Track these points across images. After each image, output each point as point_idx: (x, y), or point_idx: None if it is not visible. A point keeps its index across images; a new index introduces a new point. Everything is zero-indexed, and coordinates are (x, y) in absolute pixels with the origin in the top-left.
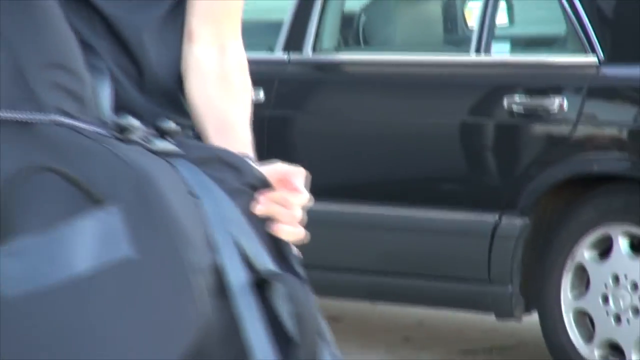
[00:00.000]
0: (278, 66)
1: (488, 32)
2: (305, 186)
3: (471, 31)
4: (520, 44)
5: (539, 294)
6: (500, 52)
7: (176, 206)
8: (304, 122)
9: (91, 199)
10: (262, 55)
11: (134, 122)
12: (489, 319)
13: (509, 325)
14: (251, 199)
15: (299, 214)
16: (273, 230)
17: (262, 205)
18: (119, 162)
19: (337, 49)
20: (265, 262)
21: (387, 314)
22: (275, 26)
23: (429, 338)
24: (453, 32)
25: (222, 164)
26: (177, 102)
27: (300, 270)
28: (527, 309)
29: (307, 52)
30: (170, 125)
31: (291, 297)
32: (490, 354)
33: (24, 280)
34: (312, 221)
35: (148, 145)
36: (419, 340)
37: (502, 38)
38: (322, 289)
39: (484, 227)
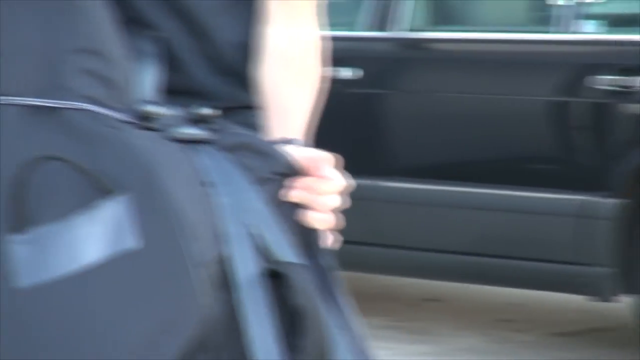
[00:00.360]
0: (372, 44)
1: (576, 10)
2: (336, 171)
3: (560, 9)
4: (608, 21)
5: (635, 276)
6: (589, 30)
7: (180, 197)
8: (398, 100)
9: (102, 189)
10: (356, 33)
11: (159, 109)
12: (581, 301)
13: (602, 307)
14: (280, 186)
15: (329, 201)
16: (302, 218)
17: (291, 192)
18: (130, 152)
19: (431, 26)
20: (285, 253)
21: (481, 295)
22: (370, 4)
23: (523, 320)
24: (543, 10)
25: (252, 151)
26: (248, 83)
27: (325, 260)
28: (623, 291)
29: (402, 30)
30: (207, 110)
31: (297, 290)
32: (582, 336)
33: (35, 270)
34: (405, 201)
35: (170, 132)
36: (513, 322)
37: (591, 16)
38: (418, 270)
39: (573, 207)
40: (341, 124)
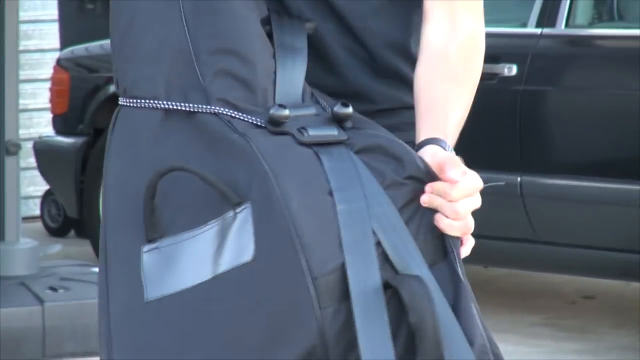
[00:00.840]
0: (531, 41)
1: None
2: (469, 174)
3: None
4: None
5: None
6: None
7: (300, 207)
8: (557, 97)
9: (228, 200)
10: (515, 30)
11: (293, 112)
12: None
13: None
14: (411, 192)
15: (460, 206)
16: (436, 223)
17: (425, 197)
18: (255, 159)
19: (591, 23)
20: (409, 263)
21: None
22: (529, 1)
23: None
24: None
25: (384, 155)
26: (408, 82)
27: (458, 269)
28: None
29: (560, 27)
30: (346, 110)
31: (411, 308)
32: None
33: (161, 282)
34: (564, 198)
35: (299, 136)
36: None
37: None
38: (575, 267)
39: None
40: (497, 121)
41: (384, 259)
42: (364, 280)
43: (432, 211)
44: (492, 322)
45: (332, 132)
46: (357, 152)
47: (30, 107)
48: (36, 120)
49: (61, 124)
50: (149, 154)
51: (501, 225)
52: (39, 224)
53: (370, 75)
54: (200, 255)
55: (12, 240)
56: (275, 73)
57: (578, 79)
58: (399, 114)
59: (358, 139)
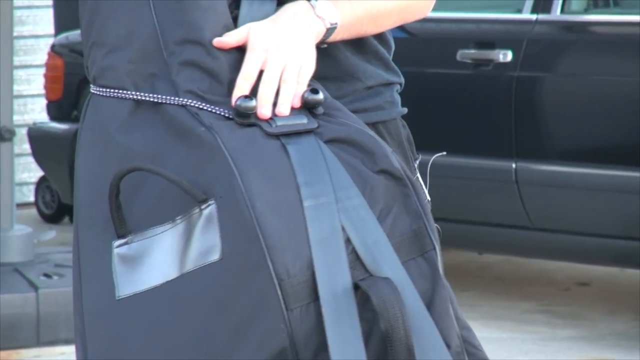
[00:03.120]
0: (526, 27)
1: None
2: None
3: None
4: None
5: None
6: None
7: (265, 208)
8: (552, 83)
9: (193, 197)
10: (510, 16)
11: (252, 103)
12: None
13: None
14: (382, 185)
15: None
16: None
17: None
18: (221, 155)
19: (586, 9)
20: (381, 262)
21: (636, 279)
22: None
23: None
24: None
25: (355, 147)
26: (384, 60)
27: (439, 267)
28: None
29: (556, 13)
30: (316, 96)
31: (380, 312)
32: None
33: (132, 279)
34: (560, 184)
35: (266, 127)
36: None
37: None
38: (570, 254)
39: None
40: (492, 107)
41: (355, 257)
42: (334, 280)
43: (410, 205)
44: (486, 308)
45: (302, 121)
46: (326, 142)
47: (25, 93)
48: (30, 106)
49: (55, 110)
50: (120, 146)
51: (496, 212)
52: (33, 211)
53: (357, 55)
54: (168, 252)
55: (7, 226)
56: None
57: (573, 65)
58: (382, 92)
59: (328, 128)
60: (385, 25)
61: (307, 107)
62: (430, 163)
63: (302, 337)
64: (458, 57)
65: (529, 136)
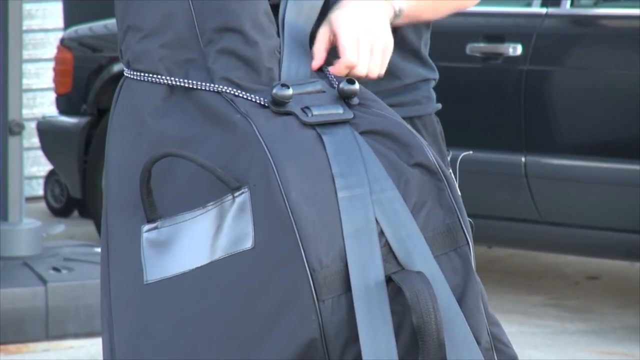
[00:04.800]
0: (536, 20)
1: None
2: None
3: None
4: None
5: None
6: None
7: (299, 198)
8: (561, 76)
9: (226, 185)
10: (520, 9)
11: (289, 91)
12: None
13: None
14: (417, 179)
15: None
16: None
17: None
18: (256, 142)
19: (596, 3)
20: (414, 255)
21: None
22: None
23: None
24: None
25: (391, 140)
26: (421, 57)
27: (472, 263)
28: None
29: (565, 6)
30: (352, 86)
31: (412, 306)
32: None
33: (160, 264)
34: (569, 178)
35: (302, 116)
36: None
37: None
38: (580, 248)
39: None
40: (502, 101)
41: (388, 250)
42: (366, 272)
43: (444, 200)
44: (496, 302)
45: (337, 111)
46: (362, 133)
47: (34, 87)
48: (39, 100)
49: (65, 103)
50: (152, 130)
51: (505, 206)
52: (42, 204)
53: (398, 54)
54: (198, 239)
55: (16, 220)
56: (280, 52)
57: (583, 59)
58: (419, 87)
59: (364, 119)
60: (444, 11)
61: (343, 97)
62: (459, 159)
63: (332, 329)
64: (467, 51)
65: (538, 130)
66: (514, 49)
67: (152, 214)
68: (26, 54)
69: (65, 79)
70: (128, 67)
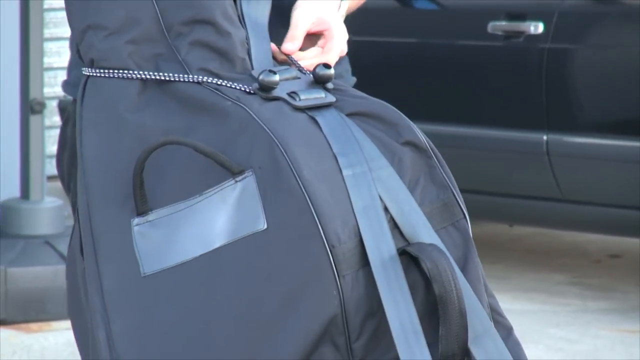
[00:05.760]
0: None
1: None
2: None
3: None
4: None
5: None
6: None
7: (311, 176)
8: (583, 55)
9: (228, 169)
10: None
11: (278, 76)
12: None
13: None
14: (409, 157)
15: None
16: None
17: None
18: (256, 126)
19: None
20: (418, 229)
21: None
22: None
23: None
24: None
25: (378, 120)
26: None
27: (470, 235)
28: None
29: None
30: (327, 71)
31: (433, 277)
32: None
33: (157, 256)
34: (591, 156)
35: (292, 101)
36: None
37: None
38: (602, 226)
39: None
40: (523, 79)
41: (394, 225)
42: (380, 247)
43: (436, 176)
44: (517, 281)
45: (320, 95)
46: (348, 116)
47: (55, 65)
48: (61, 78)
49: None
50: (132, 124)
51: (527, 184)
52: None
53: None
54: (199, 226)
55: (37, 199)
56: (247, 42)
57: (605, 37)
58: (340, 61)
59: (347, 102)
60: None
61: (319, 82)
62: None
63: (352, 304)
64: (489, 29)
65: (560, 108)
66: (536, 27)
67: (143, 207)
68: (47, 33)
69: None
70: (92, 65)
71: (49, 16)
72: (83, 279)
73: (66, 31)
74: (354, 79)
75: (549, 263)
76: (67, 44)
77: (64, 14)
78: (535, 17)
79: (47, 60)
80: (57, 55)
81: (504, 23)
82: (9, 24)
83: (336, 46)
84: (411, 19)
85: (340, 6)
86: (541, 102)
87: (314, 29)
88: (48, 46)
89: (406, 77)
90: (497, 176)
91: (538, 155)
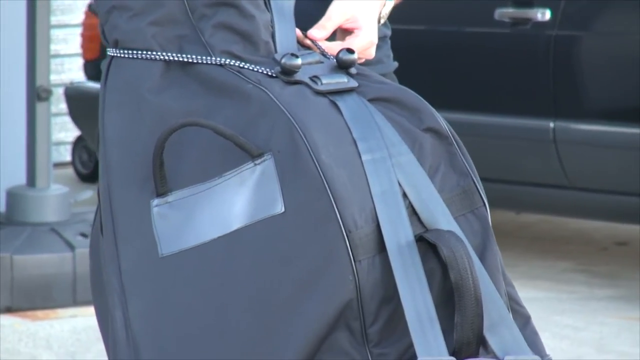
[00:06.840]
0: None
1: None
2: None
3: None
4: None
5: None
6: None
7: (329, 160)
8: (590, 42)
9: (248, 152)
10: None
11: (300, 60)
12: None
13: None
14: (429, 143)
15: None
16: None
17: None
18: (276, 110)
19: None
20: (437, 216)
21: None
22: None
23: None
24: None
25: (399, 106)
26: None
27: (490, 223)
28: None
29: None
30: (350, 55)
31: (450, 264)
32: None
33: (176, 237)
34: (598, 143)
35: (314, 85)
36: None
37: None
38: (608, 214)
39: None
40: (530, 66)
41: (412, 211)
42: (397, 232)
43: (457, 163)
44: (524, 268)
45: (343, 79)
46: (370, 101)
47: (62, 52)
48: (67, 66)
49: (92, 69)
50: (154, 105)
51: (534, 171)
52: (70, 170)
53: None
54: (217, 208)
55: (43, 186)
56: (272, 25)
57: (612, 24)
58: (381, 46)
59: (369, 87)
60: None
61: (342, 66)
62: None
63: (368, 289)
64: (496, 16)
65: (567, 95)
66: (543, 14)
67: (162, 188)
68: (54, 20)
69: (93, 44)
70: (116, 46)
71: (55, 3)
72: (103, 258)
73: (72, 18)
74: (395, 64)
75: (555, 250)
76: (74, 30)
77: (70, 1)
78: (542, 3)
79: (54, 48)
80: (63, 42)
81: (511, 10)
82: (15, 11)
83: (359, 47)
84: (418, 6)
85: (384, 5)
86: (548, 89)
87: (346, 24)
88: (55, 33)
89: (413, 64)
90: (503, 163)
91: (545, 143)
